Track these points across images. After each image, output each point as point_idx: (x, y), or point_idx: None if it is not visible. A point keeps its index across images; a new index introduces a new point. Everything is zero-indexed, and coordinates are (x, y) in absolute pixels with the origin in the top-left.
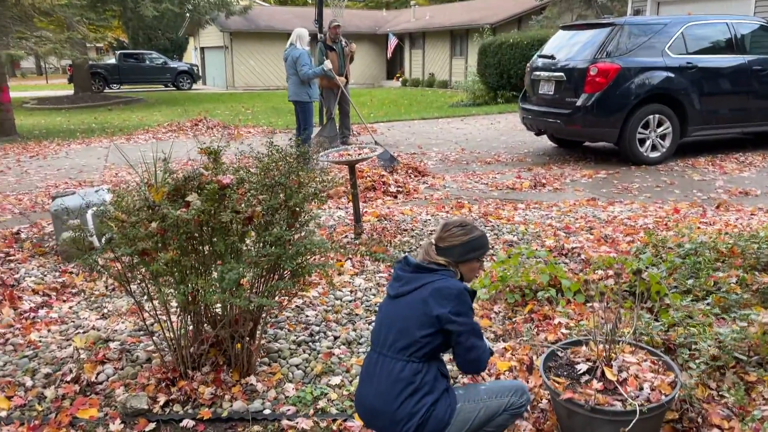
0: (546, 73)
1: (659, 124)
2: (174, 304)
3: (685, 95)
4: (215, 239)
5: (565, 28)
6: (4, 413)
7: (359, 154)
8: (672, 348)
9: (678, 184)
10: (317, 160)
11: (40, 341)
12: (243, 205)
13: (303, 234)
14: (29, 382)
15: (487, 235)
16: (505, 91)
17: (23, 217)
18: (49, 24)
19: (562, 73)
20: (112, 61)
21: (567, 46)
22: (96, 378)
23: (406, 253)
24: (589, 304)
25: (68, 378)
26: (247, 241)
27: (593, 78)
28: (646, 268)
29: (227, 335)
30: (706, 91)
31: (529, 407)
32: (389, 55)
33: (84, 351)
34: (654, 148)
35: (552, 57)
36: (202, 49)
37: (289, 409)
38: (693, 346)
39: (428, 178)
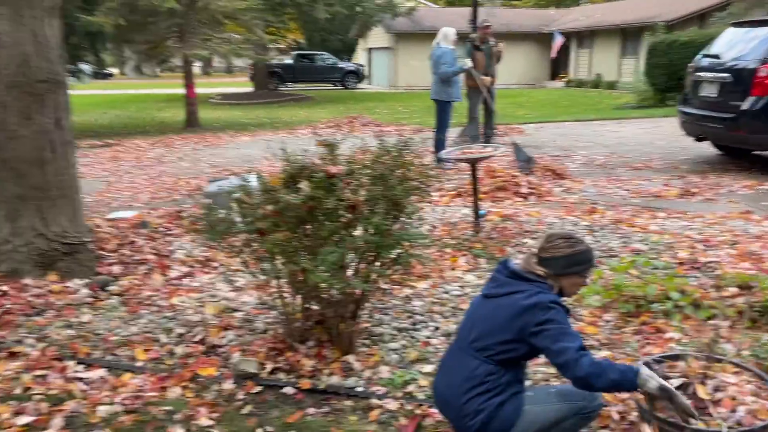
0: (709, 74)
1: None
2: None
3: None
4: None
5: (736, 24)
6: (140, 363)
7: (481, 153)
8: None
9: None
10: (442, 158)
11: (180, 305)
12: (348, 194)
13: (404, 225)
14: (164, 339)
15: (615, 242)
16: (675, 93)
17: (187, 198)
18: (238, 27)
19: (727, 74)
20: (289, 61)
21: (737, 45)
22: (219, 341)
23: (508, 257)
24: (711, 321)
25: (196, 339)
26: (360, 228)
27: (762, 80)
28: None
29: (331, 315)
30: None
31: (617, 417)
32: (554, 54)
33: (213, 317)
34: None
35: (717, 56)
36: (370, 50)
37: (379, 389)
38: None
39: (566, 181)
